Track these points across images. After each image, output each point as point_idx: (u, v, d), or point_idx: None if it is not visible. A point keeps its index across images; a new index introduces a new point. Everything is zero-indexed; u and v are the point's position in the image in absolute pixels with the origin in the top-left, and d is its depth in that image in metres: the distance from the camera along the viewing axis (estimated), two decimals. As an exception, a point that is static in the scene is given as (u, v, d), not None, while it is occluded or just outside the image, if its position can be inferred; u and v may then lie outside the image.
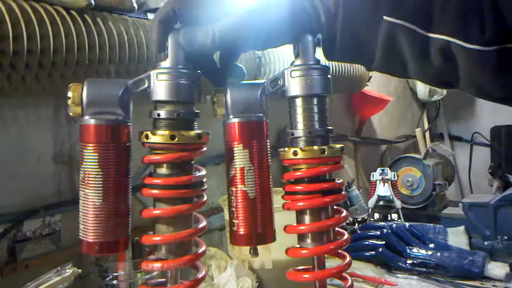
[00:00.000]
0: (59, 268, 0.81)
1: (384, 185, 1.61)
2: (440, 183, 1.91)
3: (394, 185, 1.63)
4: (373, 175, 1.66)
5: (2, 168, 0.90)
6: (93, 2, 0.85)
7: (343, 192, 0.49)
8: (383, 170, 1.63)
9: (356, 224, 1.58)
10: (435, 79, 0.49)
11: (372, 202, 1.62)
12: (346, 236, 0.49)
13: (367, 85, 1.98)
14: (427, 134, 2.73)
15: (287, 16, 0.48)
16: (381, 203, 1.62)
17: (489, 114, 2.75)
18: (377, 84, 2.25)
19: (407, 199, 1.91)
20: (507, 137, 2.51)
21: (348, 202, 1.81)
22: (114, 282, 0.93)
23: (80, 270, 0.82)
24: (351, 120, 2.20)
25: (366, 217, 1.62)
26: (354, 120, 2.21)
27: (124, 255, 0.99)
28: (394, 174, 1.64)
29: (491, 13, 0.41)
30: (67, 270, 0.81)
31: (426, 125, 2.84)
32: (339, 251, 0.49)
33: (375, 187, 1.63)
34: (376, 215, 1.62)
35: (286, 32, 0.49)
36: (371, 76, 1.91)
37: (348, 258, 0.49)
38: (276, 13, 0.47)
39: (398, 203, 1.60)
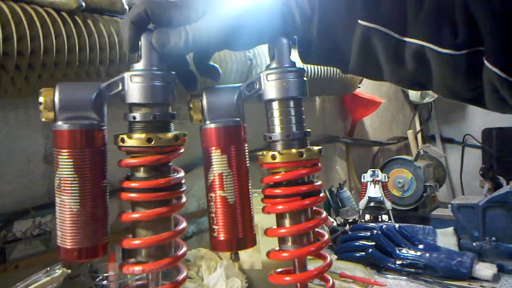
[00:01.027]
0: (48, 269, 0.81)
1: (375, 186, 1.62)
2: (431, 184, 1.92)
3: (384, 187, 1.64)
4: (364, 176, 1.67)
5: (-8, 169, 0.90)
6: (83, 4, 0.85)
7: (321, 194, 0.49)
8: (374, 171, 1.65)
9: (347, 225, 1.59)
10: (408, 82, 0.49)
11: (363, 203, 1.63)
12: (326, 237, 0.50)
13: (359, 87, 1.99)
14: (419, 136, 2.75)
15: (262, 18, 0.47)
16: (371, 204, 1.63)
17: (481, 117, 2.77)
18: (369, 86, 2.27)
19: (398, 201, 1.93)
20: (498, 139, 2.53)
21: (339, 203, 1.83)
22: (104, 282, 0.94)
23: (69, 271, 0.82)
24: (343, 121, 2.21)
25: (357, 218, 1.63)
26: (346, 121, 2.22)
27: (114, 256, 0.99)
28: (384, 176, 1.65)
29: (463, 18, 0.42)
30: (57, 271, 0.81)
31: (418, 127, 2.85)
32: (320, 252, 0.50)
33: (366, 189, 1.64)
34: (367, 216, 1.63)
35: (261, 34, 0.48)
36: (363, 78, 1.93)
37: (328, 259, 0.50)
38: (251, 15, 0.47)
39: (388, 204, 1.61)
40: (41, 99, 0.45)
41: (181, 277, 0.47)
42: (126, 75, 0.46)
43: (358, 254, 1.34)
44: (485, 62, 0.42)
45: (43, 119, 0.45)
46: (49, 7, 0.83)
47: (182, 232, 0.47)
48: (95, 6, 0.90)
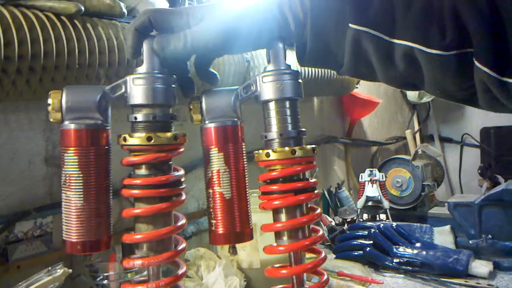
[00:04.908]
0: (49, 268, 0.83)
1: (372, 186, 1.63)
2: (429, 183, 1.93)
3: (382, 186, 1.65)
4: (361, 176, 1.68)
5: (-6, 171, 0.92)
6: (82, 8, 0.87)
7: (316, 191, 0.51)
8: (371, 171, 1.66)
9: (346, 225, 1.60)
10: (400, 82, 0.51)
11: (360, 202, 1.65)
12: (320, 232, 0.51)
13: (357, 87, 2.00)
14: (417, 136, 2.76)
15: (257, 24, 0.50)
16: (369, 203, 1.64)
17: (479, 116, 2.78)
18: (367, 86, 2.28)
19: (397, 200, 1.94)
20: (496, 138, 2.54)
21: (338, 203, 1.84)
22: (105, 282, 0.95)
23: (70, 270, 0.83)
24: (341, 122, 2.22)
25: (355, 218, 1.65)
26: (345, 122, 2.24)
27: (114, 256, 1.01)
28: (382, 175, 1.66)
29: (452, 19, 0.43)
30: (58, 270, 0.82)
31: (416, 127, 2.86)
32: (315, 247, 0.51)
33: (364, 188, 1.66)
34: (365, 216, 1.64)
35: (256, 39, 0.51)
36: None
37: (323, 254, 0.51)
38: (247, 21, 0.49)
39: (386, 204, 1.63)
40: (49, 101, 0.48)
41: (180, 272, 0.49)
42: (129, 78, 0.49)
43: (356, 253, 1.35)
44: (475, 62, 0.43)
45: (51, 120, 0.48)
46: (49, 11, 0.84)
47: (181, 228, 0.49)
48: (94, 10, 0.92)
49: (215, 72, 0.56)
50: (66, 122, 0.48)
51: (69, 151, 0.47)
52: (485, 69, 0.42)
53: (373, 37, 0.47)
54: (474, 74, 0.44)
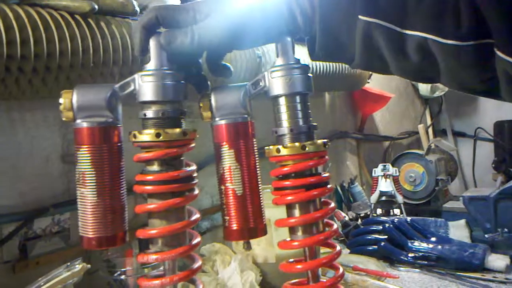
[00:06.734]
0: (68, 264, 0.84)
1: (386, 180, 1.63)
2: (443, 178, 1.92)
3: (396, 181, 1.65)
4: (375, 171, 1.67)
5: (12, 169, 0.93)
6: (96, 6, 0.87)
7: (329, 186, 0.51)
8: (384, 166, 1.65)
9: (359, 220, 1.60)
10: (415, 75, 0.50)
11: (374, 197, 1.64)
12: (335, 226, 0.51)
13: (368, 82, 1.99)
14: (430, 130, 2.74)
15: (264, 20, 0.49)
16: (383, 198, 1.63)
17: (492, 109, 2.75)
18: (379, 81, 2.27)
19: (410, 195, 1.93)
20: (510, 131, 2.51)
21: (351, 198, 1.84)
22: (122, 277, 0.96)
23: (89, 266, 0.85)
24: (353, 117, 2.22)
25: (368, 213, 1.64)
26: (356, 117, 2.23)
27: (131, 251, 1.02)
28: (395, 170, 1.65)
29: (468, 8, 0.42)
30: (77, 266, 0.83)
31: (428, 121, 2.84)
32: (329, 241, 0.51)
33: (377, 183, 1.65)
34: (379, 211, 1.64)
35: (262, 35, 0.50)
36: (371, 73, 1.93)
37: (338, 248, 0.51)
38: (253, 17, 0.49)
39: (400, 198, 1.62)
40: (61, 100, 0.49)
41: (196, 265, 0.50)
42: (137, 75, 0.49)
43: (370, 248, 1.35)
44: (497, 52, 0.41)
45: (64, 119, 0.49)
46: (63, 10, 0.85)
47: (195, 223, 0.50)
48: (107, 8, 0.93)
49: (228, 64, 0.56)
50: (79, 121, 0.49)
51: (82, 149, 0.48)
52: (510, 59, 0.40)
53: (384, 29, 0.45)
54: (496, 65, 0.42)
